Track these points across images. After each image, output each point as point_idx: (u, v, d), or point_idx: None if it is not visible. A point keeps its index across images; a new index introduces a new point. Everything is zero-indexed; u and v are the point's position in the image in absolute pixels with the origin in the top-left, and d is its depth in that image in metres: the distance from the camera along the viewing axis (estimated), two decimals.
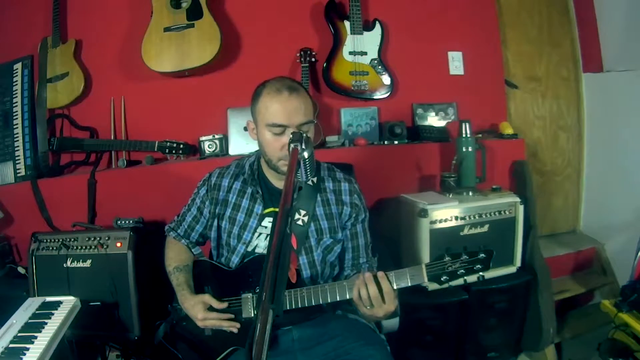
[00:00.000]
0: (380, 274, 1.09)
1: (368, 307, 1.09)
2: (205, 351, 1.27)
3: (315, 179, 1.31)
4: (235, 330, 1.21)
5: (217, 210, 1.37)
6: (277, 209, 1.28)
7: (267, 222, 1.32)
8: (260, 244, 1.32)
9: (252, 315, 1.20)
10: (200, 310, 1.21)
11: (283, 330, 1.25)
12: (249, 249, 1.32)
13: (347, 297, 1.14)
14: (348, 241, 1.36)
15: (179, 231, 1.45)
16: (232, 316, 1.22)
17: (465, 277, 1.08)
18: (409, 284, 1.08)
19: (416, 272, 1.09)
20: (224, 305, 1.22)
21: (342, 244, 1.36)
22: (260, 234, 1.32)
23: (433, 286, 1.09)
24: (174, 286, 1.33)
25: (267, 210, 1.32)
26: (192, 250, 1.44)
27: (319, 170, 1.36)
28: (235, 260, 1.32)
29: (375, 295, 1.07)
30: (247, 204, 1.33)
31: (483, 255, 1.07)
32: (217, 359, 1.22)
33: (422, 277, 1.08)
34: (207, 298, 1.23)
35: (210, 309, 1.22)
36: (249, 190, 1.34)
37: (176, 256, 1.40)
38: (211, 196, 1.38)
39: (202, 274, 1.35)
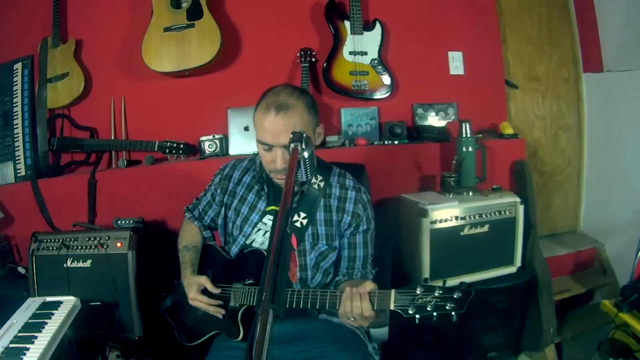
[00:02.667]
0: (364, 295, 1.02)
1: (352, 319, 1.05)
2: (194, 329, 1.39)
3: (322, 184, 1.32)
4: (219, 316, 1.27)
5: (225, 199, 1.42)
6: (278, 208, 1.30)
7: (268, 219, 1.35)
8: (258, 239, 1.35)
9: (237, 305, 1.24)
10: (193, 290, 1.28)
11: None
12: (248, 241, 1.35)
13: (318, 306, 1.11)
14: (345, 249, 1.33)
15: (194, 213, 1.52)
16: (221, 303, 1.27)
17: (434, 314, 0.96)
18: (375, 309, 1.02)
19: (384, 297, 1.01)
20: (217, 290, 1.28)
21: (337, 252, 1.34)
22: (259, 229, 1.35)
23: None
24: (180, 263, 1.41)
25: (269, 208, 1.35)
26: (204, 232, 1.51)
27: (328, 174, 1.35)
28: (234, 250, 1.37)
29: (358, 312, 1.02)
30: (253, 198, 1.37)
31: (459, 294, 0.95)
32: (200, 339, 1.35)
33: (389, 303, 1.00)
34: (204, 280, 1.29)
35: (204, 291, 1.29)
36: (256, 186, 1.37)
37: (188, 236, 1.48)
38: (222, 185, 1.44)
39: (208, 257, 1.43)
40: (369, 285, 1.04)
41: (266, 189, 1.36)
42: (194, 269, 1.37)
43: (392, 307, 0.99)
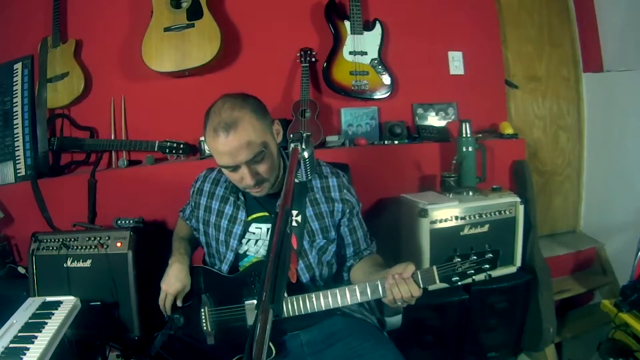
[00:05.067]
0: (409, 280, 1.09)
1: (400, 304, 1.11)
2: (214, 358, 1.26)
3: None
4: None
5: (202, 215, 1.39)
6: (263, 214, 1.30)
7: (255, 228, 1.31)
8: (251, 249, 1.32)
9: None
10: (174, 287, 1.27)
11: (290, 335, 1.24)
12: (241, 252, 1.32)
13: (360, 300, 1.14)
14: (347, 237, 1.35)
15: (185, 214, 1.52)
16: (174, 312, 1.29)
17: (474, 277, 1.11)
18: (421, 286, 1.10)
19: (428, 275, 1.10)
20: (178, 306, 1.29)
21: (335, 242, 1.34)
22: (249, 240, 1.32)
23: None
24: (173, 248, 1.38)
25: (252, 217, 1.32)
26: (194, 232, 1.49)
27: None
28: (224, 268, 1.32)
29: (408, 296, 1.09)
30: (231, 210, 1.33)
31: (490, 255, 1.10)
32: None
33: (434, 279, 1.10)
34: (184, 290, 1.28)
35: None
36: (231, 197, 1.33)
37: (182, 230, 1.50)
38: (195, 200, 1.41)
39: (199, 280, 1.33)
40: (410, 268, 1.09)
41: (242, 198, 1.32)
42: (188, 255, 1.36)
43: (437, 281, 1.10)
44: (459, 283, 1.11)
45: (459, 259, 1.10)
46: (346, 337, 1.21)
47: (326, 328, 1.24)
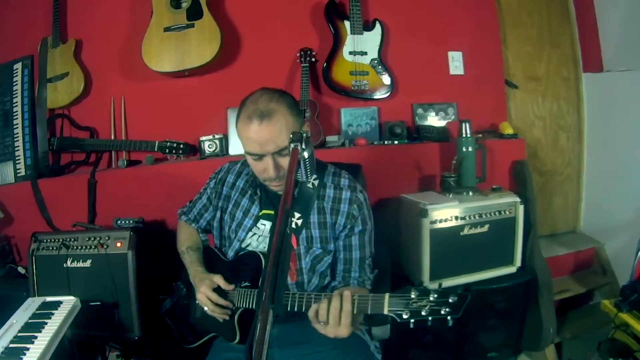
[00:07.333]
0: (346, 294, 1.00)
1: (322, 323, 1.02)
2: (194, 331, 1.37)
3: (316, 183, 1.28)
4: (221, 319, 1.24)
5: (219, 204, 1.41)
6: (271, 212, 1.31)
7: (261, 224, 1.33)
8: (253, 244, 1.34)
9: (234, 308, 1.22)
10: (206, 285, 1.24)
11: None
12: (243, 245, 1.35)
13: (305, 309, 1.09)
14: (340, 252, 1.30)
15: (189, 215, 1.51)
16: (230, 305, 1.22)
17: (429, 319, 0.92)
18: (369, 312, 0.99)
19: (378, 301, 0.97)
20: (231, 287, 1.23)
21: (332, 254, 1.31)
22: (254, 234, 1.34)
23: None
24: (186, 264, 1.39)
25: (262, 212, 1.33)
26: (200, 235, 1.49)
27: (323, 174, 1.32)
28: (230, 254, 1.36)
29: (335, 313, 0.99)
30: (246, 203, 1.36)
31: (454, 298, 0.91)
32: (200, 341, 1.35)
33: (383, 307, 0.95)
34: (217, 278, 1.24)
35: (218, 289, 1.23)
36: (250, 191, 1.36)
37: (189, 237, 1.48)
38: (217, 190, 1.43)
39: (208, 260, 1.40)
40: (357, 290, 1.07)
41: (259, 193, 1.34)
42: (203, 266, 1.35)
43: (385, 311, 0.96)
44: (411, 321, 0.92)
45: (416, 293, 0.92)
46: (317, 340, 1.15)
47: (302, 328, 1.19)
